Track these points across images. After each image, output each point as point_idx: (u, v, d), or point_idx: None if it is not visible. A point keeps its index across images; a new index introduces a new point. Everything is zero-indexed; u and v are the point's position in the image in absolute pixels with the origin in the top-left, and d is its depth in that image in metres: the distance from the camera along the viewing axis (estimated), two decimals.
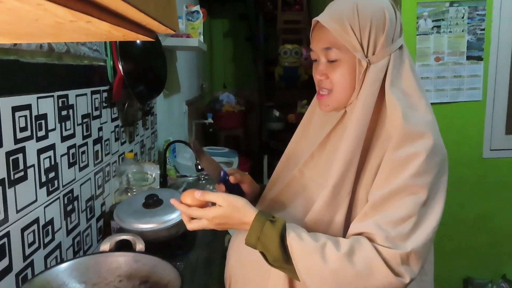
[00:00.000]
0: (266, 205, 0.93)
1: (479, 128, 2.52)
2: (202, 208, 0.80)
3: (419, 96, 0.80)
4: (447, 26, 2.48)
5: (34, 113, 0.91)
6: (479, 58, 2.57)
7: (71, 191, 1.10)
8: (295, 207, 0.86)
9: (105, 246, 0.95)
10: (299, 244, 0.71)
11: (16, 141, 0.84)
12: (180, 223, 1.13)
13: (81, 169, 1.17)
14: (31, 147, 0.90)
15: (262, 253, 0.74)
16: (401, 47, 0.82)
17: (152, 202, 1.14)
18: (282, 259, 0.72)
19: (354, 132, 0.78)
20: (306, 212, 0.81)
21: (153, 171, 1.64)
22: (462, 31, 2.49)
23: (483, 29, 2.48)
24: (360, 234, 0.74)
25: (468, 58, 2.59)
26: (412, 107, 0.78)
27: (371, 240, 0.72)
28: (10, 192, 0.81)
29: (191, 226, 0.81)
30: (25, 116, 0.88)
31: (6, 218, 0.80)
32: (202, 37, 2.30)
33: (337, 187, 0.78)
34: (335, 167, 0.78)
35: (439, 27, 2.46)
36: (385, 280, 0.69)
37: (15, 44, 0.83)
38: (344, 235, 0.79)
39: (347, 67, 0.80)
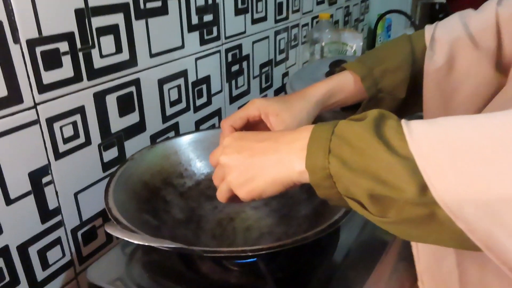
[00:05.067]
0: None
1: None
2: None
3: None
4: None
5: None
6: None
7: (238, 47, 0.85)
8: None
9: None
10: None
11: None
12: None
13: (254, 21, 0.89)
14: None
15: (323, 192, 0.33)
16: None
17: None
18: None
19: None
20: None
21: (354, 42, 1.26)
22: None
23: None
24: None
25: None
26: None
27: None
28: (138, 25, 0.60)
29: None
30: None
31: (133, 60, 0.60)
32: None
33: None
34: None
35: None
36: None
37: None
38: None
39: None
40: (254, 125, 0.50)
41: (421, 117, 0.43)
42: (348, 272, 0.48)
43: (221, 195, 0.40)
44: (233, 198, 0.40)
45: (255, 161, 0.36)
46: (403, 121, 0.30)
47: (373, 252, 0.51)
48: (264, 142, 0.37)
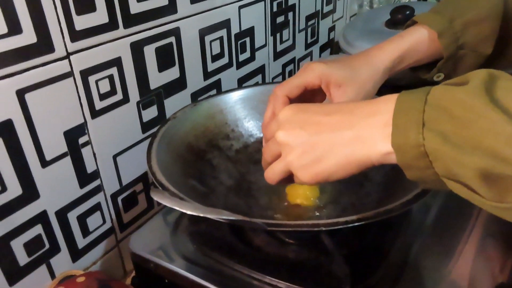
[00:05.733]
0: None
1: None
2: None
3: None
4: None
5: None
6: None
7: None
8: None
9: None
10: None
11: None
12: None
13: None
14: None
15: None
16: None
17: (402, 18, 0.69)
18: None
19: None
20: None
21: None
22: None
23: None
24: None
25: None
26: None
27: None
28: None
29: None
30: None
31: (172, 7, 0.53)
32: None
33: None
34: None
35: None
36: None
37: None
38: None
39: None
40: (309, 94, 0.42)
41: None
42: (424, 253, 0.42)
43: (274, 175, 0.33)
44: (286, 179, 0.33)
45: (324, 138, 0.29)
46: None
47: (454, 227, 0.44)
48: (334, 115, 0.30)
